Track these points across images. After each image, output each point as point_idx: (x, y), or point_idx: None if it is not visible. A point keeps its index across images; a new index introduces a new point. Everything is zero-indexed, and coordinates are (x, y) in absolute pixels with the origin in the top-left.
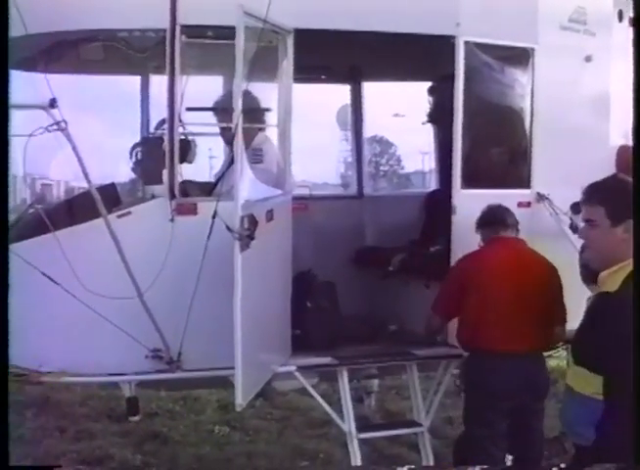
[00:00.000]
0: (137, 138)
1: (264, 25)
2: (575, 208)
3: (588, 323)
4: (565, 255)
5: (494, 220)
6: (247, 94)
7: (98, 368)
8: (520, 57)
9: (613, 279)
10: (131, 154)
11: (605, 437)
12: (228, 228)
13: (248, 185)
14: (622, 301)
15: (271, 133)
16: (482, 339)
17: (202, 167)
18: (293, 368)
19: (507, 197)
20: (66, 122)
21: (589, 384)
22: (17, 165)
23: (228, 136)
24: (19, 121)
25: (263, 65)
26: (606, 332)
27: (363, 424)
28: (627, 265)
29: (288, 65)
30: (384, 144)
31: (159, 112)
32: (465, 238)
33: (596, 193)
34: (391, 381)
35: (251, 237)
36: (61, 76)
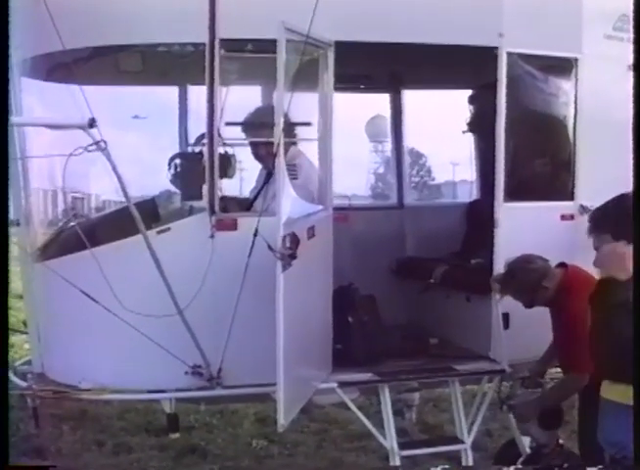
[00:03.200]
0: (176, 151)
1: (305, 40)
2: None
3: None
4: None
5: None
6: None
7: (138, 384)
8: (563, 67)
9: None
10: (169, 166)
11: None
12: (270, 248)
13: (289, 202)
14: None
15: (310, 147)
16: None
17: (234, 181)
18: (334, 385)
19: (550, 210)
20: (105, 142)
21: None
22: (58, 178)
23: (259, 151)
24: (58, 137)
25: (303, 78)
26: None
27: (404, 440)
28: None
29: (328, 77)
30: (422, 154)
31: (197, 125)
32: (507, 252)
33: (600, 221)
34: (429, 393)
35: (294, 256)
36: (99, 89)
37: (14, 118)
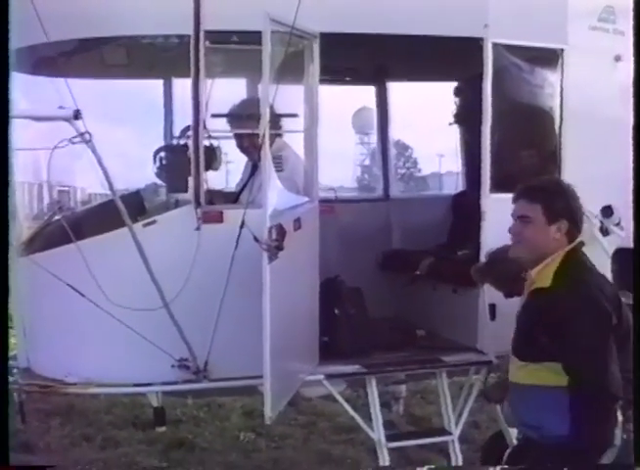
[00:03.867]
0: (161, 144)
1: (291, 31)
2: (606, 211)
3: (527, 319)
4: (595, 258)
5: None
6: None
7: (124, 378)
8: (549, 58)
9: (544, 275)
10: (155, 159)
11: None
12: (256, 239)
13: (275, 194)
14: (557, 293)
15: (296, 139)
16: None
17: (219, 174)
18: (321, 377)
19: None
20: (90, 134)
21: (532, 375)
22: (43, 172)
23: (244, 143)
24: (43, 131)
25: (289, 70)
26: (551, 325)
27: (391, 431)
28: (552, 261)
29: (314, 69)
30: (408, 145)
31: (182, 118)
32: (494, 243)
33: (535, 191)
34: (416, 385)
35: (280, 248)
36: (84, 82)
37: None
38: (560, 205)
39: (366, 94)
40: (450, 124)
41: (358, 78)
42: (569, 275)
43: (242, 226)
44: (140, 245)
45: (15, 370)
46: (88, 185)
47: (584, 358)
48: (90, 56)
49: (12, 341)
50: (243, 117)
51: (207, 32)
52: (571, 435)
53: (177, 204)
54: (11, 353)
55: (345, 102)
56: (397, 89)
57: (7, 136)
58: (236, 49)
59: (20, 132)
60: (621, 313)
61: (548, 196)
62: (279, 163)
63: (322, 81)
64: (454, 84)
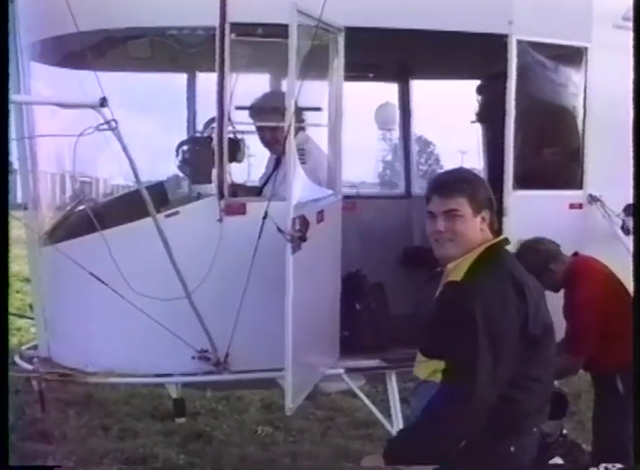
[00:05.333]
0: (183, 136)
1: (317, 24)
2: (629, 209)
3: (435, 312)
4: (617, 257)
5: None
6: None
7: (145, 368)
8: (573, 56)
9: (460, 268)
10: (177, 152)
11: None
12: (279, 230)
13: (299, 185)
14: (466, 287)
15: (320, 133)
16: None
17: (242, 167)
18: (341, 371)
19: (559, 198)
20: (116, 122)
21: (426, 370)
22: (66, 162)
23: (266, 136)
24: (68, 120)
25: (314, 63)
26: (452, 319)
27: None
28: (471, 255)
29: (338, 63)
30: (430, 142)
31: (207, 108)
32: (516, 240)
33: (457, 183)
34: None
35: (303, 239)
36: (109, 74)
37: (24, 97)
38: (482, 195)
39: (389, 90)
40: (472, 122)
41: (381, 75)
42: (480, 270)
43: (265, 218)
44: (163, 234)
45: (35, 359)
46: (110, 176)
47: (454, 356)
48: (115, 48)
49: (32, 330)
50: (267, 109)
51: (233, 24)
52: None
53: (199, 197)
54: (32, 343)
55: (368, 97)
56: (420, 86)
57: (6, 127)
58: (261, 42)
59: (44, 122)
60: (539, 319)
61: (470, 187)
62: (302, 155)
63: (345, 78)
64: (476, 82)
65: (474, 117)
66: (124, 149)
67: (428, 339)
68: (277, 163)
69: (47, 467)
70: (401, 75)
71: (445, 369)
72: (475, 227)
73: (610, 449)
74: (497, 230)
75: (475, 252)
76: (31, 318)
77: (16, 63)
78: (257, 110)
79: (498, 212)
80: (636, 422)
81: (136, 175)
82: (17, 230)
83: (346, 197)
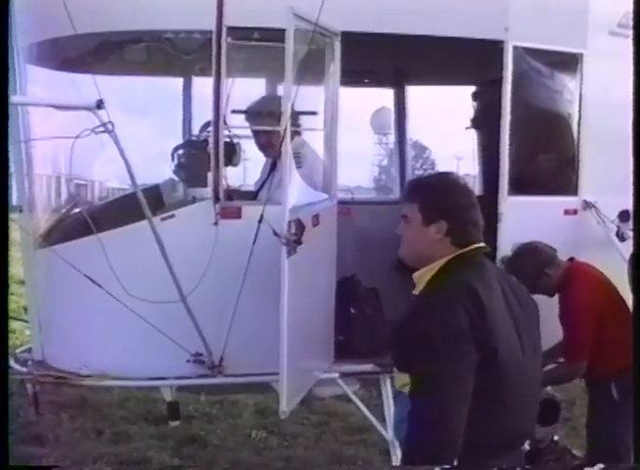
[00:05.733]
0: (179, 140)
1: (313, 28)
2: (623, 216)
3: (398, 324)
4: (612, 263)
5: None
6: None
7: (139, 371)
8: (568, 62)
9: (421, 281)
10: (173, 156)
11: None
12: (275, 233)
13: (295, 189)
14: (422, 301)
15: (316, 137)
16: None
17: (238, 172)
18: (336, 375)
19: (554, 204)
20: (112, 124)
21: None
22: (61, 164)
23: (262, 140)
24: (64, 123)
25: (310, 68)
26: (409, 332)
27: None
28: (433, 267)
29: (335, 68)
30: (426, 147)
31: (203, 113)
32: (510, 246)
33: (413, 189)
34: None
35: (299, 242)
36: (105, 78)
37: (21, 98)
38: (436, 203)
39: (385, 95)
40: (467, 129)
41: (377, 81)
42: (435, 284)
43: (260, 221)
44: (159, 238)
45: (29, 362)
46: (106, 179)
47: (412, 371)
48: (111, 52)
49: (27, 333)
50: (262, 113)
51: (230, 28)
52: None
53: (194, 201)
54: (26, 347)
55: (364, 102)
56: (416, 92)
57: (6, 129)
58: (258, 46)
59: (39, 124)
60: (491, 340)
61: (424, 194)
62: (297, 160)
63: (341, 83)
64: (472, 88)
65: (469, 124)
66: (120, 151)
67: (393, 352)
68: (272, 167)
69: (47, 467)
70: (397, 81)
71: (410, 383)
72: (425, 236)
73: (604, 456)
74: (468, 242)
75: (437, 264)
76: (26, 321)
77: (12, 65)
78: (254, 114)
79: (492, 218)
80: (636, 422)
81: (132, 178)
82: (12, 232)
83: (341, 202)
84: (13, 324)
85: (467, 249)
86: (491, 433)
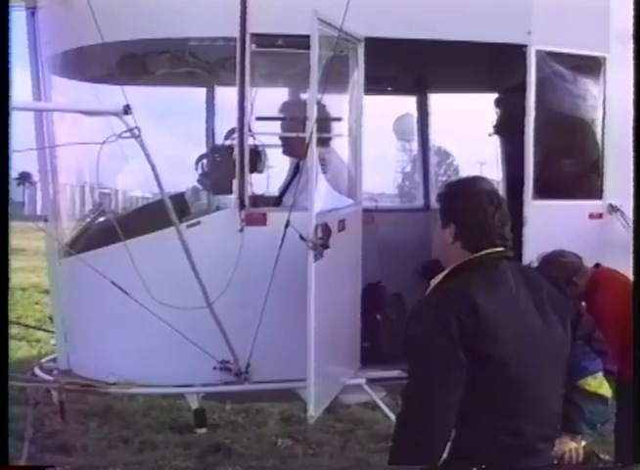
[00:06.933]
0: (202, 149)
1: (338, 34)
2: None
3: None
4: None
5: None
6: (318, 103)
7: (166, 379)
8: (591, 66)
9: (432, 285)
10: (197, 164)
11: None
12: (302, 237)
13: (322, 193)
14: (415, 306)
15: (341, 143)
16: None
17: (262, 178)
18: (362, 381)
19: (579, 208)
20: (139, 129)
21: None
22: (86, 174)
23: (288, 146)
24: (87, 132)
25: (334, 74)
26: (403, 335)
27: None
28: (444, 273)
29: (359, 74)
30: (449, 153)
31: (225, 121)
32: (536, 250)
33: (437, 193)
34: None
35: (325, 246)
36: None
37: (48, 104)
38: (449, 206)
39: (407, 101)
40: (490, 135)
41: (399, 89)
42: (436, 290)
43: (287, 226)
44: (186, 245)
45: (55, 371)
46: (129, 188)
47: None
48: (134, 62)
49: (52, 342)
50: (287, 119)
51: (253, 35)
52: None
53: (219, 208)
54: (51, 356)
55: (387, 109)
56: (438, 99)
57: (7, 131)
58: (282, 52)
59: (63, 134)
60: (486, 345)
61: (440, 198)
62: (322, 165)
63: (364, 91)
64: (494, 95)
65: (492, 130)
66: (147, 156)
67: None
68: (295, 171)
69: (47, 467)
70: (419, 89)
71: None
72: (442, 240)
73: (631, 459)
74: (477, 246)
75: (447, 270)
76: (51, 331)
77: (36, 76)
78: (279, 119)
79: (517, 222)
80: (636, 422)
81: (159, 183)
82: (36, 242)
83: (365, 210)
84: (38, 333)
85: (477, 254)
86: (505, 434)
